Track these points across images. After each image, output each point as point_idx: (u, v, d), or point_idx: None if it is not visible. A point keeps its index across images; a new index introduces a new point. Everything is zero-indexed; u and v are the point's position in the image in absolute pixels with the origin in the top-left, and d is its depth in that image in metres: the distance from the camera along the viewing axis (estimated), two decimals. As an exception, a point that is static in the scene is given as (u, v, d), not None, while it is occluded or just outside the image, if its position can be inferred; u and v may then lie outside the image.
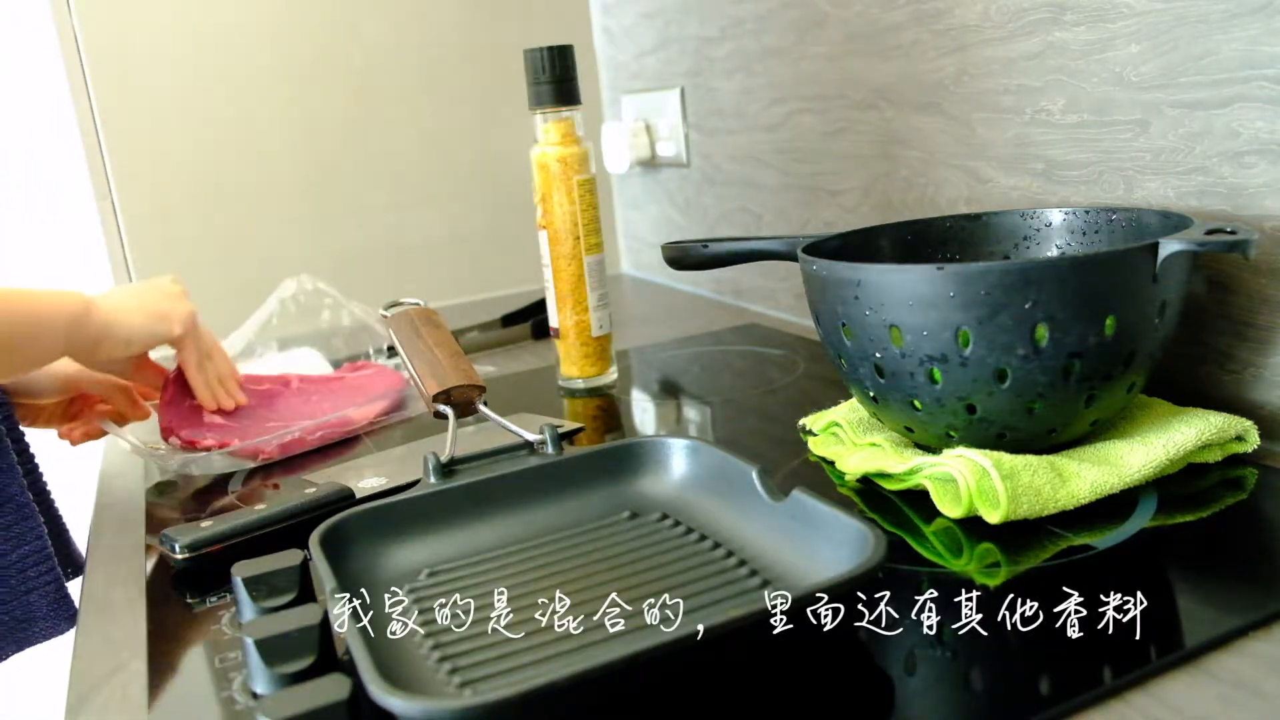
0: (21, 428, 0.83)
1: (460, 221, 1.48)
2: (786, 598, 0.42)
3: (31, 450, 0.86)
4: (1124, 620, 0.46)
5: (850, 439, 0.68)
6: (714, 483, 0.59)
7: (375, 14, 1.37)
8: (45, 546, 0.74)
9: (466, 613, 0.50)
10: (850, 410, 0.71)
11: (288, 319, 1.04)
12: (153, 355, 0.86)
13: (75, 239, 1.34)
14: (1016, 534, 0.55)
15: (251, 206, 1.33)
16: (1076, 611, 0.47)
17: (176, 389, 0.84)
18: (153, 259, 1.28)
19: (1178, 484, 0.59)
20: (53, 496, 0.86)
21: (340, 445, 0.85)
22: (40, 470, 0.85)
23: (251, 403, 0.87)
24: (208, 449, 0.79)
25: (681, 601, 0.49)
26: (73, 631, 0.73)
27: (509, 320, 1.23)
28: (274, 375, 0.92)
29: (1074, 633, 0.45)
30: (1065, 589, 0.49)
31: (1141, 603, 0.47)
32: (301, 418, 0.86)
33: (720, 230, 1.30)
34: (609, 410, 0.89)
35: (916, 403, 0.61)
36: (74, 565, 0.84)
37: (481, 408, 0.70)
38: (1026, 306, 0.55)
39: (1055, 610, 0.48)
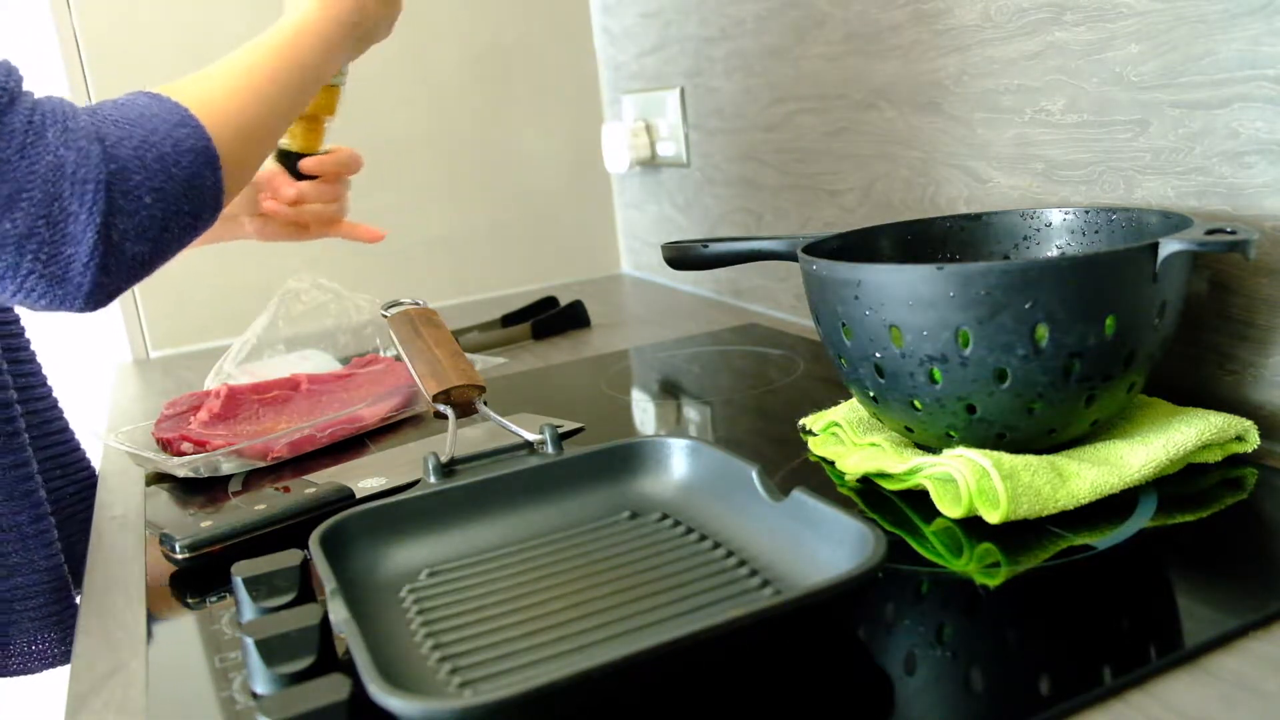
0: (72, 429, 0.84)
1: (460, 221, 1.48)
2: (786, 598, 0.42)
3: (88, 458, 0.86)
4: (1124, 620, 0.46)
5: (850, 439, 0.68)
6: (714, 483, 0.59)
7: (375, 14, 1.37)
8: (48, 581, 0.73)
9: (466, 613, 0.50)
10: (850, 410, 0.71)
11: (293, 319, 1.04)
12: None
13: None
14: (1016, 534, 0.55)
15: (251, 206, 1.33)
16: (1076, 611, 0.47)
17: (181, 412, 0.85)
18: (153, 259, 1.28)
19: (1178, 484, 0.59)
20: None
21: (348, 445, 0.85)
22: (94, 477, 0.85)
23: (261, 410, 0.87)
24: (216, 449, 0.79)
25: (682, 601, 0.49)
26: (59, 668, 0.73)
27: (509, 320, 1.23)
28: (282, 379, 0.92)
29: (1074, 633, 0.45)
30: (1065, 589, 0.49)
31: (1141, 602, 0.47)
32: (313, 418, 0.85)
33: (720, 230, 1.30)
34: (609, 410, 0.89)
35: (916, 403, 0.61)
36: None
37: (481, 408, 0.70)
38: (1026, 306, 0.55)
39: (1055, 610, 0.48)
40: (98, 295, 0.57)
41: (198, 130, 0.62)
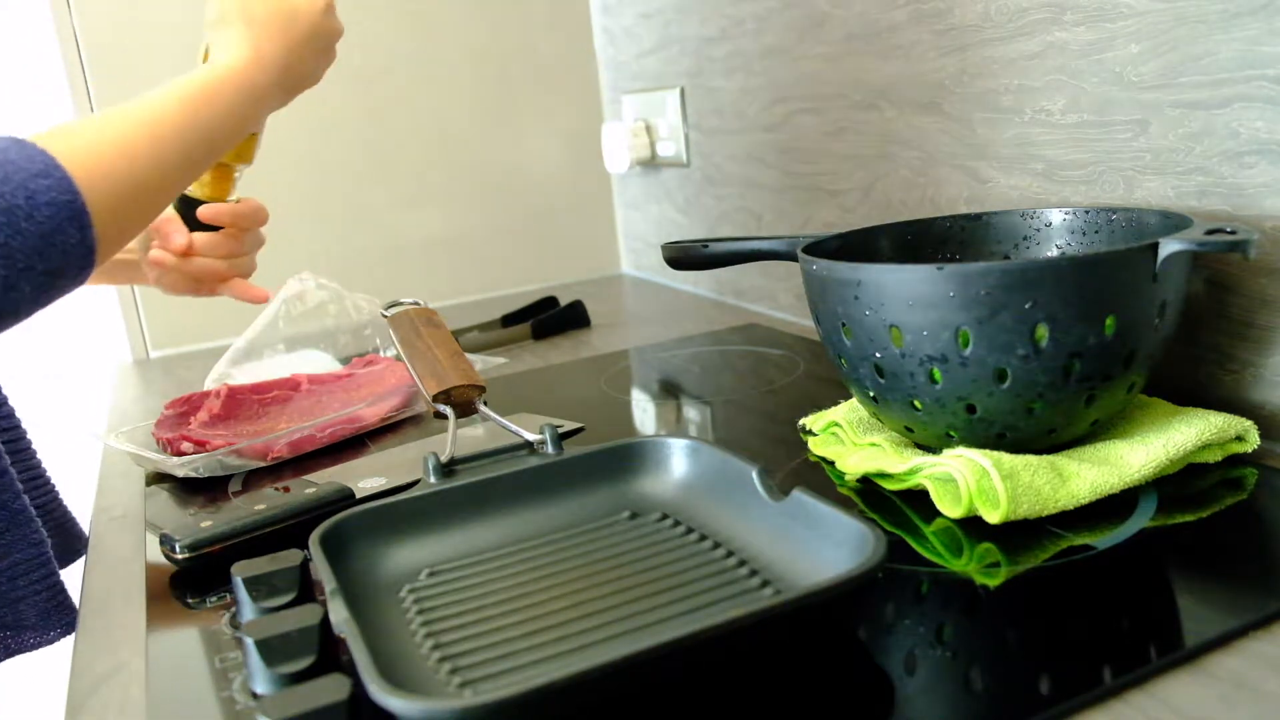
0: (21, 427, 0.83)
1: (460, 221, 1.48)
2: (786, 598, 0.42)
3: (33, 448, 0.86)
4: (1124, 620, 0.46)
5: (850, 439, 0.68)
6: (714, 483, 0.59)
7: (376, 15, 1.37)
8: (40, 554, 0.73)
9: (466, 613, 0.50)
10: (850, 410, 0.71)
11: (293, 319, 1.04)
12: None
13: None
14: (1016, 534, 0.55)
15: (251, 206, 1.33)
16: (1076, 611, 0.47)
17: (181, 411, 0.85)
18: (153, 259, 1.28)
19: (1178, 484, 0.59)
20: (55, 490, 0.86)
21: (349, 444, 0.85)
22: (41, 468, 0.85)
23: (261, 410, 0.87)
24: (216, 449, 0.79)
25: (682, 601, 0.49)
26: (68, 636, 0.73)
27: (509, 320, 1.23)
28: (282, 379, 0.92)
29: (1074, 633, 0.45)
30: (1065, 589, 0.49)
31: (1141, 603, 0.47)
32: (313, 418, 0.85)
33: (720, 230, 1.30)
34: (609, 410, 0.89)
35: (916, 403, 0.61)
36: (76, 551, 0.84)
37: (481, 408, 0.70)
38: (1026, 306, 0.55)
39: (1055, 610, 0.48)
40: None
41: (62, 182, 0.57)
